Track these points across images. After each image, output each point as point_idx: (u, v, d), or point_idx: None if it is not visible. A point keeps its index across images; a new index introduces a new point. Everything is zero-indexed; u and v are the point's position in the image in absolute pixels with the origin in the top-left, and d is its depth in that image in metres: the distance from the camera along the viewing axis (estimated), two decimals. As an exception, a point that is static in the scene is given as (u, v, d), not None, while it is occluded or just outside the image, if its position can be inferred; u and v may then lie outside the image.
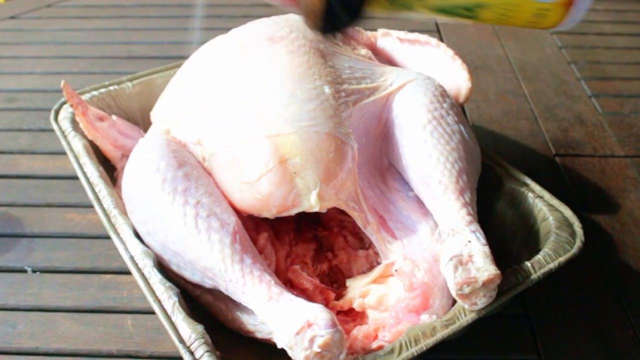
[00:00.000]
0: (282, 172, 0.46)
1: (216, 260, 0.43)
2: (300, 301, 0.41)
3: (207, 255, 0.44)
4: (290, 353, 0.40)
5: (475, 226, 0.46)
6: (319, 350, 0.39)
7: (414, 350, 0.41)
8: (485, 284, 0.42)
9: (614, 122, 0.78)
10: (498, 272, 0.42)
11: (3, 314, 0.52)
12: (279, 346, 0.41)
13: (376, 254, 0.51)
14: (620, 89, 0.85)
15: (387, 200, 0.52)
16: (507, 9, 0.42)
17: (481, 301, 0.43)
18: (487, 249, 0.44)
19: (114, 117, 0.60)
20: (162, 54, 0.92)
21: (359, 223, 0.49)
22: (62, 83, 0.56)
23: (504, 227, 0.56)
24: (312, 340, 0.39)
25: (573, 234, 0.49)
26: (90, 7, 1.07)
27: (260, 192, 0.47)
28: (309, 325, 0.39)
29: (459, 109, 0.53)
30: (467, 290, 0.42)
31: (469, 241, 0.44)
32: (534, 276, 0.46)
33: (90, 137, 0.57)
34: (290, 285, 0.49)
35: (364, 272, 0.51)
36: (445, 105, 0.52)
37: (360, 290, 0.48)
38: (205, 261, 0.44)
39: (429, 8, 0.43)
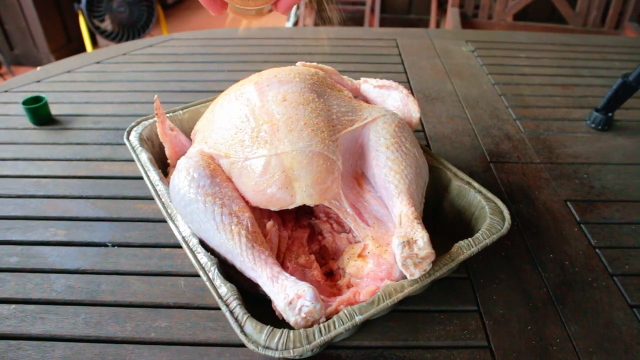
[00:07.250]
0: (285, 179, 0.46)
1: (234, 246, 0.44)
2: (293, 279, 0.42)
3: (228, 242, 0.44)
4: (284, 316, 0.40)
5: (419, 219, 0.46)
6: (304, 316, 0.39)
7: (388, 302, 0.41)
8: (423, 259, 0.42)
9: (532, 138, 0.78)
10: (433, 252, 0.43)
11: (91, 277, 0.52)
12: (277, 313, 0.41)
13: (354, 236, 0.51)
14: (536, 114, 0.85)
15: (362, 198, 0.52)
16: None
17: (417, 272, 0.43)
18: (426, 235, 0.44)
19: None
20: (206, 89, 0.92)
21: (341, 215, 0.49)
22: (155, 97, 0.56)
23: (452, 214, 0.56)
24: (300, 309, 0.39)
25: (503, 219, 0.49)
26: (154, 55, 1.07)
27: (268, 193, 0.47)
28: (298, 297, 0.39)
29: (414, 137, 0.54)
30: (409, 263, 0.42)
31: (414, 229, 0.44)
32: (474, 249, 0.46)
33: (161, 140, 0.56)
34: (290, 260, 0.49)
35: (344, 250, 0.51)
36: (404, 134, 0.52)
37: (346, 264, 0.49)
38: (227, 246, 0.44)
39: None
